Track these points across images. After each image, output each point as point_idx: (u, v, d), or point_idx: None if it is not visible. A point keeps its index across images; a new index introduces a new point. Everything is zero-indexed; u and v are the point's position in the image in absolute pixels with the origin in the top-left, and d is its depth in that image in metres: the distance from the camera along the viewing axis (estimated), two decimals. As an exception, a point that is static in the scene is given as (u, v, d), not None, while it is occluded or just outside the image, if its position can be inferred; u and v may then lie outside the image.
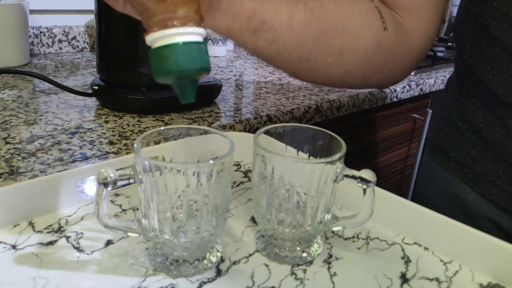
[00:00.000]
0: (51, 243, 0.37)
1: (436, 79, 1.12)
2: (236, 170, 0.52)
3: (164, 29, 0.30)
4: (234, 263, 0.36)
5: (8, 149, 0.54)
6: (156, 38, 0.30)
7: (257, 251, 0.38)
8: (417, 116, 1.15)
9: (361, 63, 0.48)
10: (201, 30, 0.31)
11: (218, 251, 0.36)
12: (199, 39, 0.31)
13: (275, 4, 0.42)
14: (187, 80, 0.32)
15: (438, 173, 0.61)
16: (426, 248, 0.39)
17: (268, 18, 0.41)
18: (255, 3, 0.41)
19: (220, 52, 1.21)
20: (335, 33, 0.45)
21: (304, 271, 0.35)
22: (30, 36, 1.03)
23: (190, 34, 0.30)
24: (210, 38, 1.19)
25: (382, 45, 0.48)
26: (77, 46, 1.14)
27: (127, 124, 0.64)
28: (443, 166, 0.59)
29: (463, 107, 0.55)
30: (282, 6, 0.42)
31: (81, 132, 0.60)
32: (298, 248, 0.37)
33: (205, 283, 0.33)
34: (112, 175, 0.31)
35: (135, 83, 0.68)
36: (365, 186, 0.34)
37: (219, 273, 0.35)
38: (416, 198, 0.67)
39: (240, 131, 0.67)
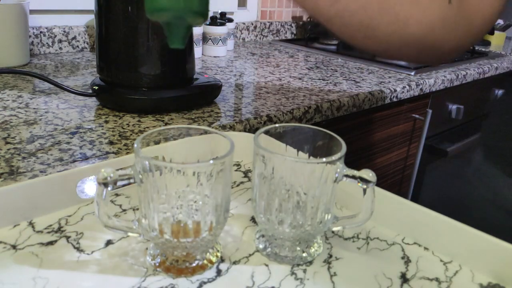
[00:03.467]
0: (51, 243, 0.37)
1: (436, 79, 1.12)
2: (236, 170, 0.52)
3: None
4: (234, 263, 0.36)
5: (8, 149, 0.54)
6: None
7: (257, 251, 0.38)
8: (417, 116, 1.15)
9: (425, 37, 0.44)
10: None
11: (218, 251, 0.36)
12: None
13: None
14: (181, 22, 0.30)
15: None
16: (426, 248, 0.39)
17: None
18: None
19: (220, 52, 1.21)
20: (403, 0, 0.42)
21: (304, 271, 0.35)
22: (30, 36, 1.03)
23: None
24: (210, 38, 1.19)
25: (447, 20, 0.44)
26: (77, 46, 1.14)
27: (127, 124, 0.64)
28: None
29: None
30: None
31: (81, 132, 0.60)
32: (298, 248, 0.37)
33: (205, 283, 0.33)
34: (112, 175, 0.31)
35: (135, 83, 0.68)
36: (365, 186, 0.34)
37: (219, 273, 0.35)
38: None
39: (240, 131, 0.67)
